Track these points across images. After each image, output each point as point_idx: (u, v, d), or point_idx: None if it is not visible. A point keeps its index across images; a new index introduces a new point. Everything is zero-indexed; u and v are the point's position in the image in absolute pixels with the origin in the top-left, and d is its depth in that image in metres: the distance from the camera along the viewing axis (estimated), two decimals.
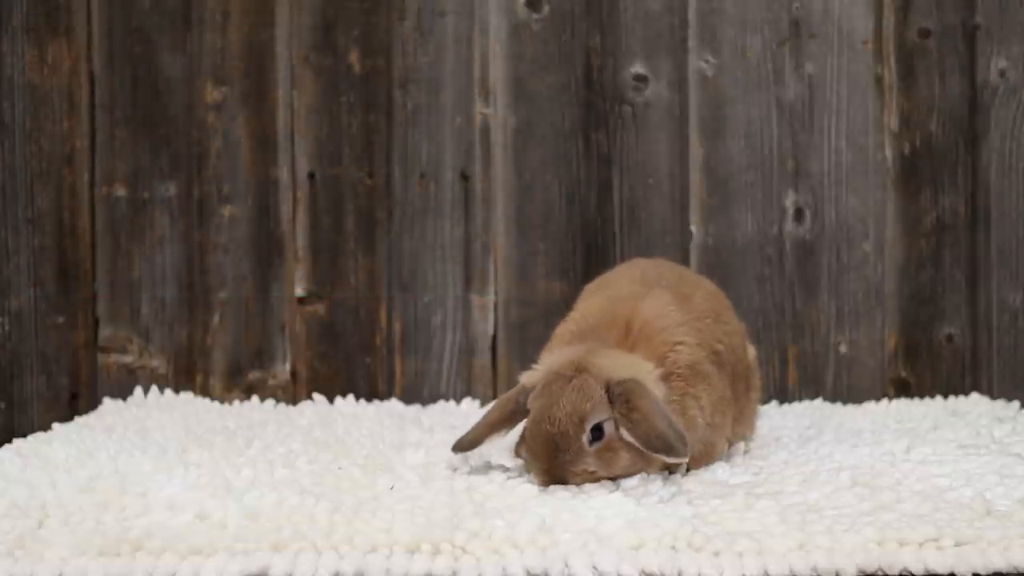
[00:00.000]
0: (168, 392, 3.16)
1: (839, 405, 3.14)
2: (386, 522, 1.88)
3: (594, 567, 1.76)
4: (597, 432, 2.11)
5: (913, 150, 3.21)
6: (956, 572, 1.78)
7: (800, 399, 3.20)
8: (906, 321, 3.21)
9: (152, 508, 1.99)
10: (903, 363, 3.21)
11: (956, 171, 3.21)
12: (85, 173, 3.22)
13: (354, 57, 3.22)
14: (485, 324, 3.22)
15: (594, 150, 3.22)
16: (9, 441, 2.58)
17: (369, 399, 3.19)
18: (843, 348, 3.21)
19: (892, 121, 3.20)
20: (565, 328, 2.41)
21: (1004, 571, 1.77)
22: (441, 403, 3.17)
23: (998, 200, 3.20)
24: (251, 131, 3.22)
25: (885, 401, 3.13)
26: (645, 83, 3.21)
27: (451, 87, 3.22)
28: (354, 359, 3.23)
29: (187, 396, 3.16)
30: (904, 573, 1.78)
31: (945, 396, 3.16)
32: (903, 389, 3.21)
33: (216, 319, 3.22)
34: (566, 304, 2.76)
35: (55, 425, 2.81)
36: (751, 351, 2.62)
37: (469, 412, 3.04)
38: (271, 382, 3.23)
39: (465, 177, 3.22)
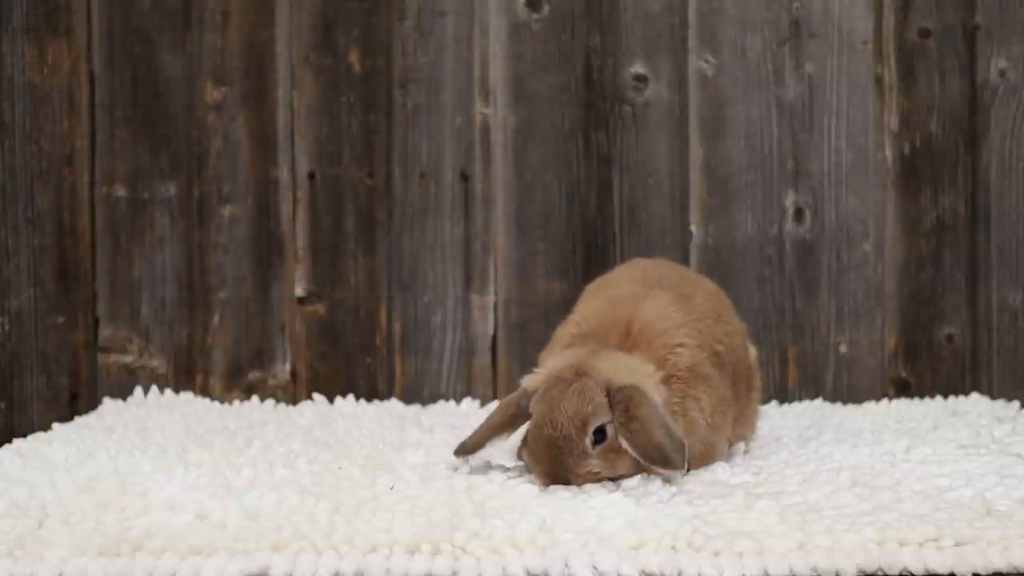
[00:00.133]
0: (168, 392, 3.16)
1: (839, 405, 3.14)
2: (386, 522, 1.88)
3: (594, 567, 1.76)
4: (599, 435, 2.12)
5: (913, 150, 3.21)
6: (956, 572, 1.78)
7: (800, 399, 3.20)
8: (906, 321, 3.21)
9: (152, 508, 1.99)
10: (903, 363, 3.21)
11: (956, 171, 3.21)
12: (85, 173, 3.22)
13: (354, 57, 3.22)
14: (485, 324, 3.22)
15: (594, 150, 3.22)
16: (9, 441, 2.58)
17: (369, 399, 3.19)
18: (843, 348, 3.21)
19: (892, 121, 3.21)
20: (565, 329, 2.41)
21: (1004, 571, 1.77)
22: (441, 403, 3.17)
23: (998, 200, 3.20)
24: (251, 131, 3.22)
25: (885, 401, 3.13)
26: (645, 83, 3.21)
27: (451, 87, 3.22)
28: (354, 359, 3.23)
29: (187, 396, 3.16)
30: (904, 573, 1.78)
31: (945, 396, 3.16)
32: (903, 389, 3.21)
33: (216, 319, 3.22)
34: (566, 304, 2.76)
35: (55, 425, 2.81)
36: (752, 351, 2.62)
37: (469, 412, 3.05)
38: (271, 382, 3.23)
39: (465, 177, 3.22)
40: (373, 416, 2.95)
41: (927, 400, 3.13)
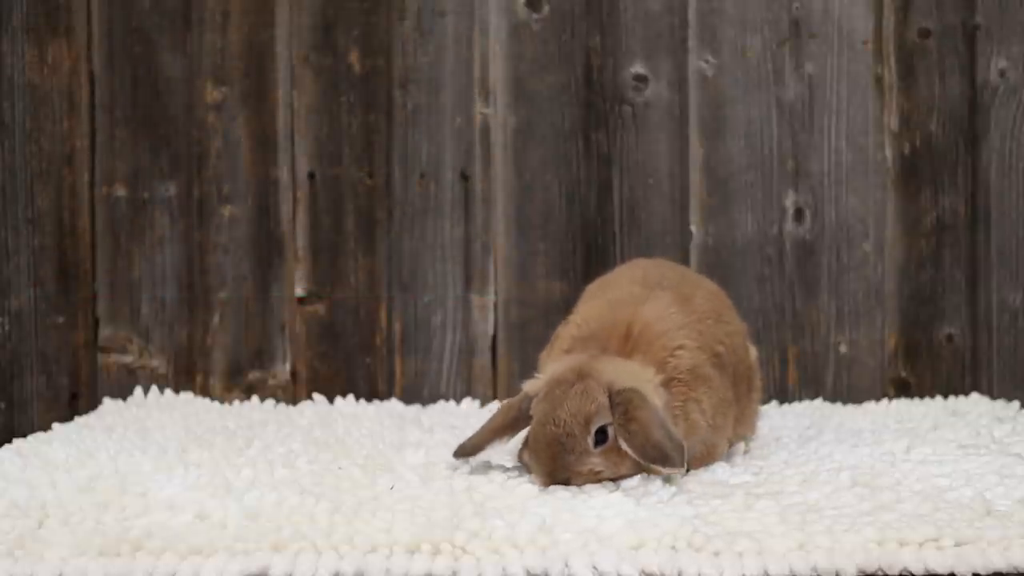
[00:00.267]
0: (168, 392, 3.16)
1: (839, 405, 3.14)
2: (386, 522, 1.88)
3: (594, 567, 1.76)
4: (601, 435, 2.12)
5: (913, 150, 3.21)
6: (956, 572, 1.78)
7: (800, 399, 3.20)
8: (906, 321, 3.21)
9: (152, 508, 1.99)
10: (903, 363, 3.21)
11: (956, 171, 3.21)
12: (85, 173, 3.22)
13: (354, 57, 3.22)
14: (485, 324, 3.22)
15: (594, 150, 3.22)
16: (9, 441, 2.58)
17: (369, 399, 3.19)
18: (843, 348, 3.21)
19: (892, 121, 3.20)
20: (566, 331, 2.41)
21: (1004, 571, 1.77)
22: (441, 403, 3.17)
23: (998, 200, 3.20)
24: (251, 131, 3.22)
25: (885, 401, 3.13)
26: (645, 83, 3.21)
27: (451, 87, 3.22)
28: (354, 359, 3.23)
29: (187, 396, 3.16)
30: (904, 573, 1.78)
31: (945, 396, 3.16)
32: (903, 389, 3.21)
33: (216, 319, 3.22)
34: (566, 304, 2.76)
35: (55, 425, 2.81)
36: (752, 351, 2.62)
37: (469, 412, 3.05)
38: (271, 382, 3.23)
39: (465, 177, 3.22)
40: (373, 416, 2.95)
41: (927, 400, 3.13)
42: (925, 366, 3.21)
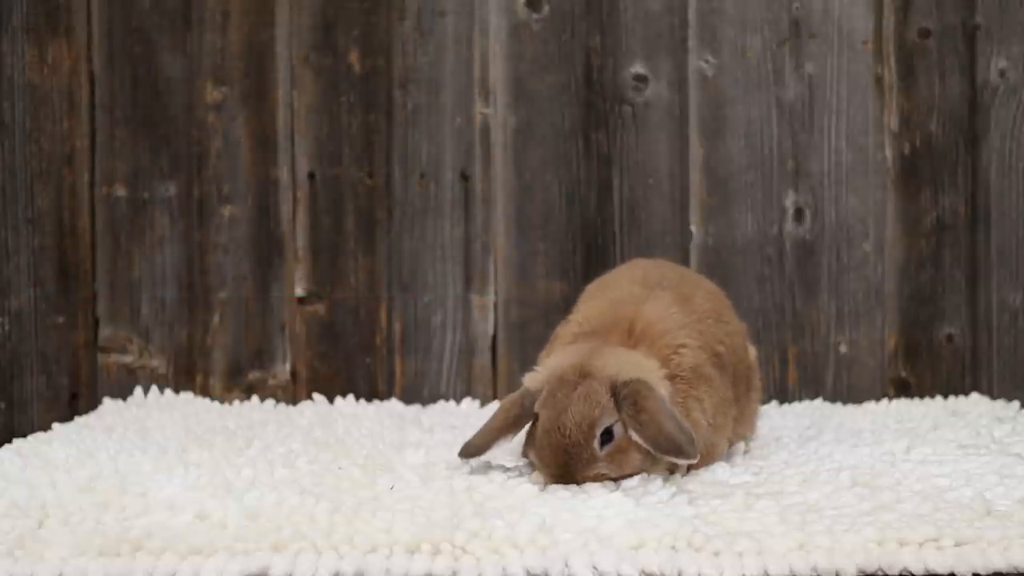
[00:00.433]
0: (168, 392, 3.16)
1: (839, 405, 3.14)
2: (386, 522, 1.88)
3: (594, 567, 1.76)
4: (607, 436, 2.12)
5: (913, 150, 3.21)
6: (956, 572, 1.78)
7: (800, 399, 3.20)
8: (906, 321, 3.21)
9: (152, 508, 1.99)
10: (903, 363, 3.21)
11: (956, 171, 3.21)
12: (85, 173, 3.22)
13: (354, 57, 3.22)
14: (485, 324, 3.22)
15: (594, 150, 3.22)
16: (9, 441, 2.58)
17: (369, 399, 3.19)
18: (843, 348, 3.21)
19: (892, 121, 3.21)
20: (566, 330, 2.41)
21: (1004, 571, 1.77)
22: (441, 403, 3.17)
23: (998, 200, 3.20)
24: (251, 131, 3.22)
25: (885, 401, 3.13)
26: (645, 83, 3.21)
27: (451, 87, 3.22)
28: (354, 359, 3.23)
29: (187, 396, 3.16)
30: (904, 573, 1.78)
31: (945, 396, 3.16)
32: (903, 389, 3.21)
33: (216, 319, 3.22)
34: (566, 304, 2.76)
35: (55, 425, 2.81)
36: (752, 351, 2.62)
37: (469, 412, 3.05)
38: (271, 382, 3.23)
39: (465, 177, 3.22)
40: (373, 416, 2.95)
41: (927, 400, 3.13)
42: (925, 366, 3.21)
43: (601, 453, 2.11)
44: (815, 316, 3.21)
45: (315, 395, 3.16)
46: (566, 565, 1.77)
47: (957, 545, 1.81)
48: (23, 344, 3.20)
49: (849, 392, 3.20)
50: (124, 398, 3.13)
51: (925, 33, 3.19)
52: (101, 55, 3.21)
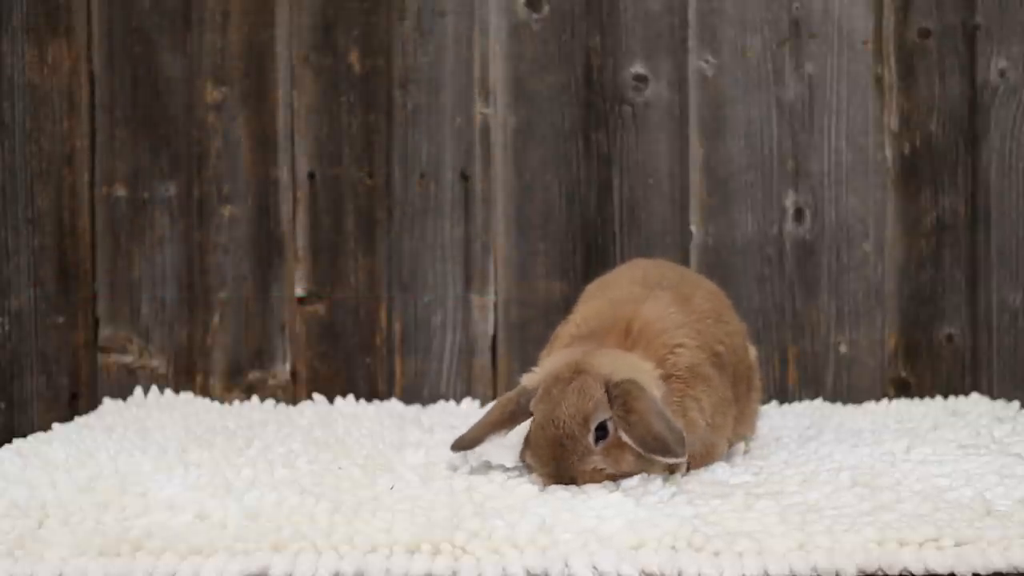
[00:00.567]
0: (168, 392, 3.16)
1: (839, 405, 3.14)
2: (386, 522, 1.88)
3: (594, 567, 1.76)
4: (601, 431, 2.12)
5: (913, 150, 3.21)
6: (956, 572, 1.78)
7: (800, 399, 3.20)
8: (906, 321, 3.21)
9: (152, 508, 1.99)
10: (903, 363, 3.21)
11: (956, 171, 3.21)
12: (85, 173, 3.22)
13: (354, 57, 3.22)
14: (485, 324, 3.22)
15: (594, 150, 3.22)
16: (9, 441, 2.58)
17: (369, 399, 3.19)
18: (843, 348, 3.21)
19: (892, 121, 3.21)
20: (565, 330, 2.41)
21: (1004, 571, 1.77)
22: (441, 403, 3.17)
23: (998, 200, 3.20)
24: (251, 131, 3.22)
25: (885, 401, 3.13)
26: (645, 83, 3.21)
27: (451, 87, 3.22)
28: (354, 359, 3.23)
29: (187, 396, 3.16)
30: (904, 573, 1.78)
31: (945, 396, 3.16)
32: (903, 389, 3.21)
33: (216, 319, 3.22)
34: (566, 304, 2.76)
35: (55, 425, 2.81)
36: (752, 351, 2.62)
37: (469, 412, 3.04)
38: (271, 382, 3.23)
39: (465, 177, 3.22)
40: (373, 416, 2.95)
41: (927, 400, 3.13)
42: (925, 366, 3.21)
43: (596, 448, 2.11)
44: (815, 316, 3.21)
45: (315, 395, 3.16)
46: (566, 565, 1.77)
47: (957, 545, 1.81)
48: (23, 344, 3.20)
49: (849, 392, 3.20)
50: (124, 398, 3.13)
51: (925, 33, 3.19)
52: (101, 55, 3.21)
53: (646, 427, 2.08)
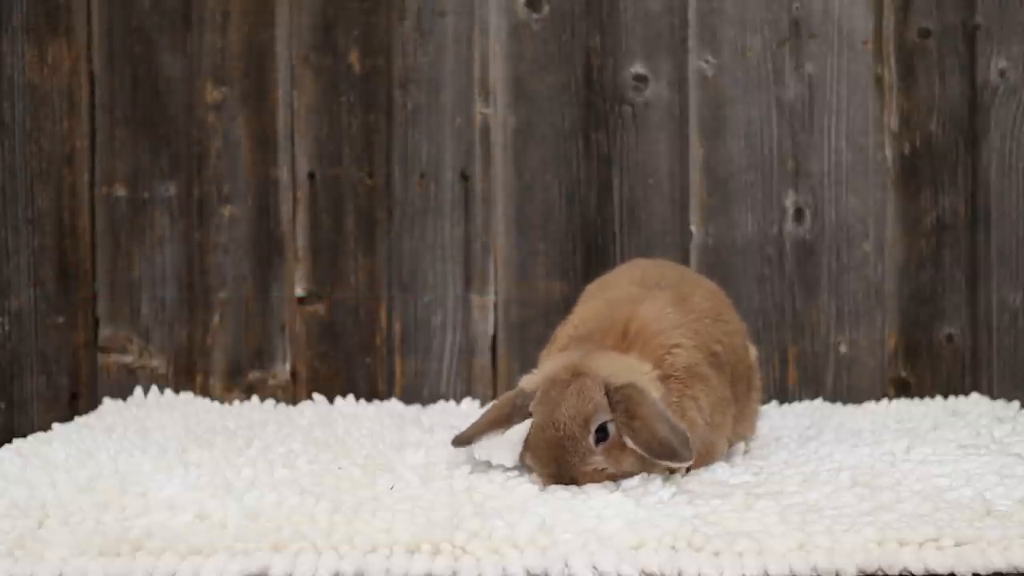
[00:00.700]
0: (168, 392, 3.16)
1: (839, 405, 3.14)
2: (386, 522, 1.88)
3: (594, 567, 1.76)
4: (602, 433, 2.12)
5: (913, 150, 3.21)
6: (956, 572, 1.78)
7: (800, 399, 3.20)
8: (906, 321, 3.21)
9: (152, 508, 1.99)
10: (903, 363, 3.21)
11: (956, 171, 3.21)
12: (85, 173, 3.22)
13: (354, 57, 3.22)
14: (485, 324, 3.22)
15: (594, 150, 3.22)
16: (9, 441, 2.58)
17: (369, 399, 3.19)
18: (843, 348, 3.21)
19: (892, 121, 3.21)
20: (564, 331, 2.41)
21: (1004, 571, 1.77)
22: (441, 403, 3.17)
23: (998, 200, 3.20)
24: (251, 131, 3.22)
25: (885, 401, 3.13)
26: (645, 83, 3.21)
27: (451, 87, 3.22)
28: (354, 359, 3.23)
29: (187, 396, 3.16)
30: (904, 573, 1.78)
31: (945, 396, 3.16)
32: (903, 389, 3.21)
33: (216, 319, 3.22)
34: (566, 304, 2.76)
35: (55, 425, 2.81)
36: (752, 351, 2.62)
37: (469, 412, 3.04)
38: (271, 382, 3.23)
39: (465, 177, 3.22)
40: (373, 416, 2.95)
41: (927, 400, 3.13)
42: (925, 366, 3.21)
43: (597, 448, 2.11)
44: (815, 316, 3.21)
45: (315, 395, 3.16)
46: (566, 565, 1.77)
47: (957, 545, 1.81)
48: (23, 344, 3.20)
49: (849, 392, 3.20)
50: (124, 398, 3.13)
51: (925, 33, 3.19)
52: (101, 55, 3.21)
53: (651, 433, 2.08)
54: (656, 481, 2.13)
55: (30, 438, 2.61)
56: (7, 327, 3.20)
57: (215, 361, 3.23)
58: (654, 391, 2.18)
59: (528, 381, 2.22)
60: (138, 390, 3.14)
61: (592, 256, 3.21)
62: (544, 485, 2.12)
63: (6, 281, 3.20)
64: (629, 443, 2.09)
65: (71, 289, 3.22)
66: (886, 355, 3.21)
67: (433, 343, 3.22)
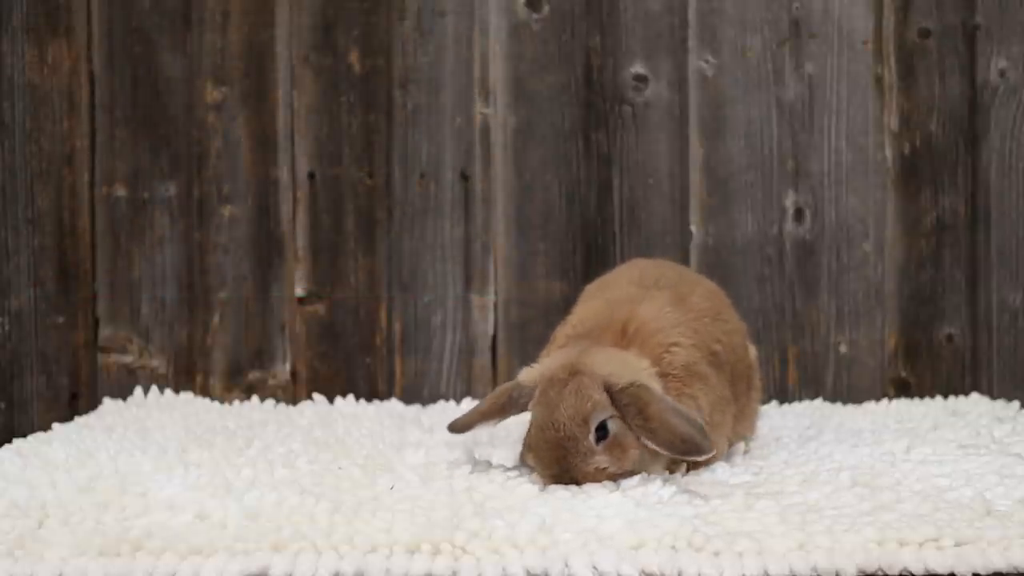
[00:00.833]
0: (168, 392, 3.16)
1: (839, 405, 3.14)
2: (386, 522, 1.88)
3: (594, 567, 1.76)
4: (602, 431, 2.11)
5: (913, 150, 3.21)
6: (956, 572, 1.78)
7: (800, 399, 3.20)
8: (906, 321, 3.21)
9: (152, 508, 1.99)
10: (903, 363, 3.21)
11: (956, 171, 3.21)
12: (85, 173, 3.22)
13: (354, 57, 3.22)
14: (485, 324, 3.22)
15: (594, 150, 3.22)
16: (9, 441, 2.58)
17: (369, 399, 3.19)
18: (843, 348, 3.21)
19: (892, 121, 3.21)
20: (563, 331, 2.41)
21: (1004, 571, 1.77)
22: (441, 403, 3.17)
23: (998, 200, 3.20)
24: (251, 131, 3.22)
25: (885, 401, 3.13)
26: (645, 83, 3.21)
27: (451, 87, 3.22)
28: (354, 359, 3.23)
29: (187, 396, 3.16)
30: (904, 573, 1.78)
31: (945, 396, 3.16)
32: (903, 389, 3.21)
33: (216, 319, 3.22)
34: (566, 304, 2.76)
35: (55, 425, 2.81)
36: (752, 351, 2.61)
37: None
38: (271, 382, 3.23)
39: (465, 177, 3.22)
40: (373, 416, 2.95)
41: (927, 400, 3.13)
42: (925, 366, 3.21)
43: (598, 447, 2.11)
44: (815, 316, 3.21)
45: (315, 395, 3.16)
46: (566, 565, 1.77)
47: (957, 545, 1.81)
48: (23, 344, 3.20)
49: (849, 392, 3.20)
50: (124, 398, 3.13)
51: (925, 33, 3.19)
52: (101, 55, 3.21)
53: (670, 430, 2.07)
54: (656, 481, 2.13)
55: (30, 438, 2.61)
56: (7, 327, 3.20)
57: (215, 361, 3.23)
58: (656, 386, 2.17)
59: (526, 375, 2.21)
60: (138, 390, 3.14)
61: (592, 256, 3.21)
62: (545, 485, 2.12)
63: (6, 281, 3.20)
64: (650, 444, 2.08)
65: (71, 289, 3.22)
66: (886, 355, 3.21)
67: (433, 343, 3.22)
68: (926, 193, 3.21)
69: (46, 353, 3.20)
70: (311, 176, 3.22)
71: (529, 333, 3.19)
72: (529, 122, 3.22)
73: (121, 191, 3.22)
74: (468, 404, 3.13)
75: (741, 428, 2.49)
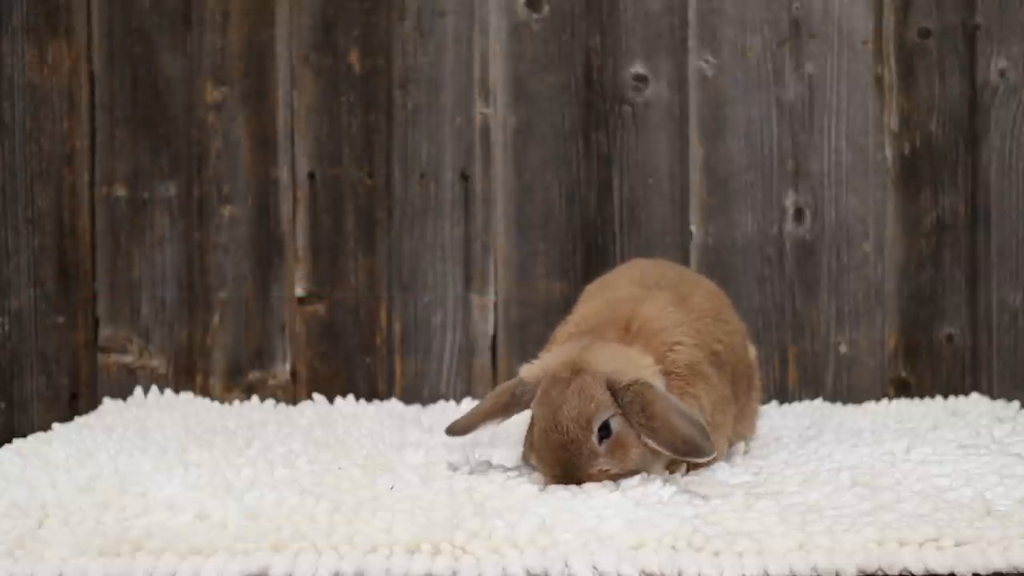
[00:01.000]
0: (168, 392, 3.16)
1: (839, 405, 3.14)
2: (386, 522, 1.88)
3: (594, 567, 1.76)
4: (604, 431, 2.11)
5: (913, 150, 3.21)
6: (956, 572, 1.78)
7: (800, 399, 3.20)
8: (906, 321, 3.21)
9: (152, 508, 1.99)
10: (903, 363, 3.21)
11: (956, 171, 3.21)
12: (85, 173, 3.22)
13: (354, 57, 3.22)
14: (485, 324, 3.22)
15: (594, 150, 3.22)
16: (9, 441, 2.58)
17: (369, 399, 3.19)
18: (843, 348, 3.21)
19: (892, 121, 3.21)
20: (564, 330, 2.41)
21: (1004, 571, 1.77)
22: (441, 403, 3.17)
23: (998, 200, 3.20)
24: (251, 131, 3.22)
25: (885, 401, 3.13)
26: (645, 83, 3.21)
27: (451, 87, 3.22)
28: (354, 359, 3.23)
29: (187, 396, 3.16)
30: (904, 573, 1.78)
31: (945, 396, 3.16)
32: (903, 389, 3.21)
33: (216, 319, 3.22)
34: (566, 304, 2.76)
35: (55, 425, 2.81)
36: (752, 351, 2.62)
37: None
38: (271, 382, 3.23)
39: (465, 177, 3.22)
40: (373, 416, 2.95)
41: (927, 400, 3.13)
42: (925, 366, 3.21)
43: (601, 448, 2.11)
44: (815, 316, 3.21)
45: (315, 395, 3.16)
46: (566, 565, 1.77)
47: (957, 545, 1.81)
48: (23, 344, 3.20)
49: (849, 392, 3.20)
50: (124, 398, 3.13)
51: (925, 33, 3.19)
52: (101, 55, 3.21)
53: (672, 431, 2.07)
54: (656, 481, 2.13)
55: (30, 438, 2.61)
56: (7, 327, 3.20)
57: (215, 361, 3.23)
58: (659, 383, 2.17)
59: (528, 371, 2.21)
60: (138, 390, 3.14)
61: (592, 256, 3.21)
62: (546, 484, 2.12)
63: (6, 281, 3.20)
64: (652, 444, 2.08)
65: (71, 289, 3.22)
66: (886, 355, 3.21)
67: (433, 343, 3.22)
68: (926, 193, 3.21)
69: (46, 353, 3.20)
70: (311, 176, 3.22)
71: (529, 333, 3.19)
72: (529, 122, 3.22)
73: (121, 191, 3.22)
74: (468, 404, 3.13)
75: (741, 428, 2.49)
